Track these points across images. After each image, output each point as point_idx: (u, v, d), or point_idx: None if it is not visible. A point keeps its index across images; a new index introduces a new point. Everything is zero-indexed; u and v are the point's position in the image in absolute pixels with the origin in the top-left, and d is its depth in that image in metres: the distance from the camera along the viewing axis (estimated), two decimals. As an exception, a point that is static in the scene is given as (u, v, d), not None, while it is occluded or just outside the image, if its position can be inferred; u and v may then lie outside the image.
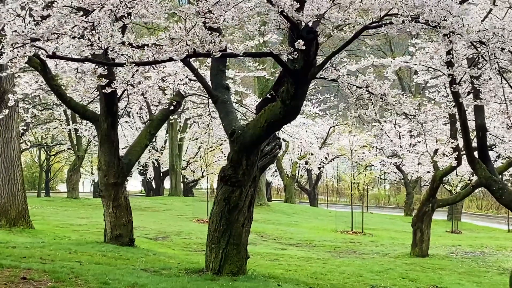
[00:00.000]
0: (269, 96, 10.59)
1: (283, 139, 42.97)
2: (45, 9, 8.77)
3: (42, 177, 66.42)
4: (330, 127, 47.48)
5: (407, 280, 15.34)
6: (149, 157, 51.30)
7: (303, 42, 8.31)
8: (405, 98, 13.51)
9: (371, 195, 65.51)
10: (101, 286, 8.38)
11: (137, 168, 56.56)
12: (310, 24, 9.98)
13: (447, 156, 19.48)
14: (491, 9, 11.52)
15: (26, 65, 13.01)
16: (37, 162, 68.69)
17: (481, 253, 21.93)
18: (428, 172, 26.21)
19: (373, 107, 11.56)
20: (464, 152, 14.25)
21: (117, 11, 8.64)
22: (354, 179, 33.06)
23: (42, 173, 66.22)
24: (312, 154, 46.99)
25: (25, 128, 35.77)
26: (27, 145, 50.45)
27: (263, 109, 10.16)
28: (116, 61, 9.40)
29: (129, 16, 9.24)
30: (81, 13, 8.78)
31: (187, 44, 8.18)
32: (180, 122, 39.22)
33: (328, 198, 63.57)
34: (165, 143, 50.68)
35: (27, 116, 30.59)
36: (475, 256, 21.06)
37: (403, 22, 8.59)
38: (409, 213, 42.63)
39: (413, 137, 33.46)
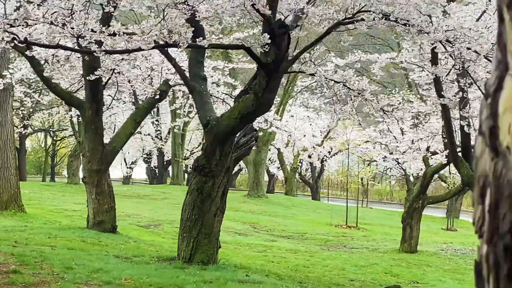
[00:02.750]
0: (244, 89, 10.67)
1: (285, 131, 43.08)
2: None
3: (48, 162, 66.72)
4: (332, 121, 47.40)
5: (389, 275, 15.38)
6: (154, 146, 51.51)
7: (270, 36, 8.36)
8: (395, 94, 13.61)
9: (374, 190, 65.48)
10: (65, 271, 8.49)
11: (142, 156, 56.80)
12: (290, 18, 10.11)
13: (437, 153, 19.50)
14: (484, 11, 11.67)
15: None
16: (43, 147, 69.04)
17: (471, 251, 21.93)
18: (422, 169, 26.20)
19: (352, 103, 11.61)
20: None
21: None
22: (355, 173, 33.07)
23: (48, 158, 66.51)
24: (313, 147, 47.00)
25: (25, 112, 35.95)
26: (32, 129, 50.71)
27: (237, 101, 10.25)
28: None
29: (109, 5, 9.33)
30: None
31: (156, 35, 8.25)
32: (184, 111, 39.33)
33: (332, 192, 63.54)
34: (169, 132, 50.82)
35: (26, 101, 30.67)
36: (464, 254, 21.09)
37: (373, 19, 8.66)
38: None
39: (415, 133, 33.39)
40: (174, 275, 9.22)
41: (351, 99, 11.61)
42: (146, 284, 8.33)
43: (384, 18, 8.66)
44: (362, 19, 8.81)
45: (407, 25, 8.56)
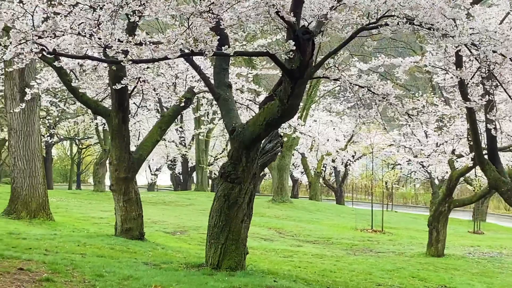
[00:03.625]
0: (269, 95, 10.73)
1: (309, 136, 43.07)
2: (50, 6, 8.98)
3: (74, 170, 67.23)
4: (356, 125, 47.34)
5: (417, 279, 15.31)
6: (178, 152, 51.75)
7: (295, 42, 8.41)
8: (419, 97, 13.59)
9: (399, 194, 65.27)
10: (96, 278, 8.59)
11: (166, 163, 57.08)
12: (313, 24, 10.16)
13: (463, 156, 19.43)
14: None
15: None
16: (69, 155, 69.56)
17: (498, 254, 21.80)
18: (447, 172, 26.08)
19: (377, 107, 11.62)
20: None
21: (120, 9, 8.82)
22: (380, 177, 32.97)
23: (73, 166, 67.03)
24: (337, 151, 46.96)
25: (51, 121, 36.30)
26: (58, 138, 51.17)
27: (262, 108, 10.31)
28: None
29: (135, 15, 9.43)
30: (88, 9, 9.00)
31: (182, 43, 8.34)
32: (208, 118, 39.48)
33: (356, 196, 63.37)
34: (192, 138, 51.03)
35: (53, 110, 31.00)
36: (492, 257, 20.93)
37: (398, 24, 8.69)
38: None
39: (440, 136, 33.23)
40: (203, 282, 9.29)
41: (376, 104, 11.62)
42: (175, 290, 8.43)
43: (408, 22, 8.68)
44: (386, 24, 8.83)
45: (432, 29, 8.57)
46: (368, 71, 13.94)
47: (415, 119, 13.38)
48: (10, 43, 8.90)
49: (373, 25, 9.09)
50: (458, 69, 12.05)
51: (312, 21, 10.09)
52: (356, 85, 11.20)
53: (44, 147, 50.56)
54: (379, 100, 11.43)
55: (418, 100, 12.70)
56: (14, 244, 11.59)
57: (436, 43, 9.28)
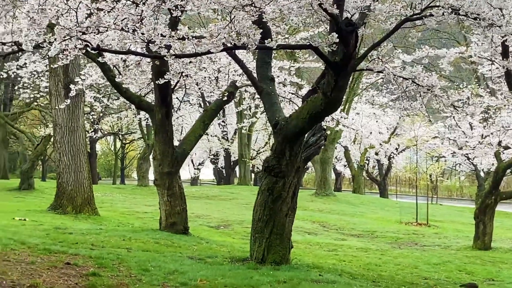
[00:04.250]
0: (312, 88, 10.66)
1: (353, 129, 42.81)
2: (93, 2, 9.02)
3: (118, 165, 67.91)
4: (399, 118, 46.93)
5: (463, 273, 15.07)
6: (221, 146, 51.89)
7: (338, 34, 8.33)
8: (464, 89, 13.39)
9: (443, 187, 64.57)
10: (142, 273, 8.63)
11: (209, 157, 57.31)
12: (356, 16, 10.06)
13: (510, 148, 19.13)
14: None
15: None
16: (113, 150, 70.27)
17: (548, 247, 21.40)
18: (493, 164, 25.70)
19: (421, 99, 11.47)
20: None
21: (163, 4, 8.84)
22: (424, 170, 32.63)
23: (117, 161, 67.71)
24: (380, 144, 46.62)
25: (95, 117, 36.62)
26: (102, 133, 51.70)
27: (306, 101, 10.25)
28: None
29: (177, 9, 9.44)
30: (130, 5, 9.03)
31: (224, 37, 8.32)
32: (250, 112, 39.47)
33: (399, 188, 62.88)
34: (235, 132, 51.10)
35: (96, 106, 31.29)
36: (540, 250, 20.56)
37: (443, 14, 8.55)
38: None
39: (486, 127, 32.79)
40: (248, 276, 9.27)
41: (420, 96, 11.47)
42: (221, 285, 8.41)
43: (453, 12, 8.54)
44: (431, 15, 8.71)
45: (478, 19, 8.43)
46: (412, 63, 13.75)
47: (461, 111, 13.20)
48: (55, 39, 8.97)
49: (418, 16, 8.96)
50: (504, 59, 11.83)
51: (355, 13, 10.00)
52: (400, 77, 11.05)
53: (89, 143, 51.17)
54: (423, 92, 11.27)
55: (463, 91, 12.49)
56: (61, 238, 11.71)
57: (482, 33, 9.11)
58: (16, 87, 34.83)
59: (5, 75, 17.86)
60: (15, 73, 18.00)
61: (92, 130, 40.61)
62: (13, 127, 35.72)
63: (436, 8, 8.64)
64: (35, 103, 36.62)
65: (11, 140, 47.15)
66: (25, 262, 8.36)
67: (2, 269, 7.67)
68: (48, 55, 10.71)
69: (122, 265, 9.05)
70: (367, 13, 9.83)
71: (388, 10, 9.32)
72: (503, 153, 20.06)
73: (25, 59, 17.91)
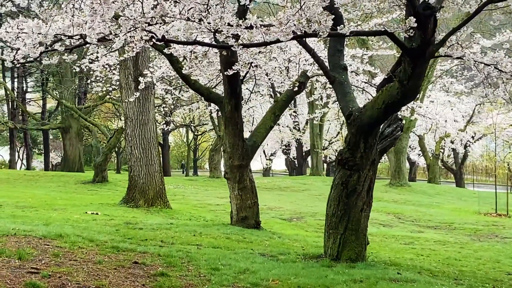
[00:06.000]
0: (387, 77, 10.15)
1: (429, 118, 41.85)
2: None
3: (190, 156, 68.38)
4: (476, 105, 45.68)
5: (549, 268, 14.36)
6: (292, 137, 51.58)
7: (415, 19, 7.82)
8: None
9: (522, 175, 62.70)
10: (211, 272, 8.31)
11: (280, 148, 57.11)
12: (433, -1, 9.50)
13: None
14: None
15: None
16: (185, 142, 70.78)
17: None
18: None
19: (504, 86, 10.83)
20: None
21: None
22: (502, 158, 31.57)
23: (190, 152, 68.16)
24: (456, 133, 45.51)
25: (167, 109, 36.73)
26: (174, 125, 52.03)
27: (381, 90, 9.75)
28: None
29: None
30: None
31: (294, 25, 7.91)
32: (321, 102, 38.96)
33: (476, 178, 61.37)
34: (306, 123, 50.66)
35: (167, 98, 31.28)
36: None
37: (529, -7, 7.95)
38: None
39: None
40: (322, 275, 8.86)
41: (503, 82, 10.84)
42: (294, 285, 8.02)
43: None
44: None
45: None
46: (492, 48, 13.07)
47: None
48: (120, 31, 8.75)
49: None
50: None
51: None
52: (481, 63, 10.46)
53: (161, 134, 51.55)
54: (507, 79, 10.64)
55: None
56: (130, 235, 11.53)
57: None
58: (89, 81, 35.16)
59: (78, 69, 17.85)
60: (87, 67, 17.95)
61: (164, 122, 40.83)
62: (86, 120, 36.11)
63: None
64: (108, 96, 37.00)
65: (85, 134, 47.83)
66: (92, 261, 8.13)
67: (69, 269, 7.45)
68: (112, 48, 10.49)
69: (191, 264, 8.76)
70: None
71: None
72: None
73: (92, 52, 17.87)
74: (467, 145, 48.33)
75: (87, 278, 7.16)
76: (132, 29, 8.53)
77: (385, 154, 39.09)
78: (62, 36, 9.75)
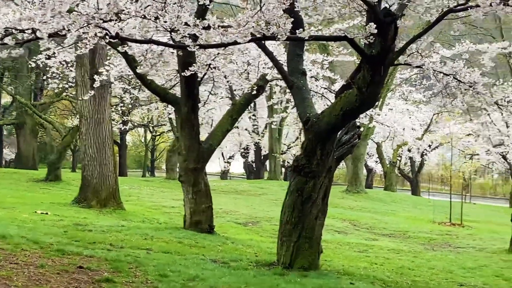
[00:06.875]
0: (346, 83, 10.00)
1: (387, 126, 42.05)
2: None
3: (148, 156, 67.79)
4: (434, 114, 46.01)
5: (501, 278, 14.38)
6: (251, 140, 51.42)
7: (376, 25, 7.68)
8: (500, 86, 12.65)
9: (476, 185, 63.47)
10: (159, 279, 8.05)
11: (239, 151, 56.89)
12: (395, 6, 9.39)
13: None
14: None
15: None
16: (143, 142, 70.17)
17: None
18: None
19: (462, 97, 10.77)
20: None
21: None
22: (456, 168, 31.79)
23: (147, 153, 67.57)
24: (414, 141, 45.82)
25: (125, 108, 36.28)
26: (132, 125, 51.47)
27: (339, 97, 9.60)
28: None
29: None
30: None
31: (253, 27, 7.70)
32: (281, 106, 38.89)
33: (432, 186, 61.85)
34: (266, 126, 50.51)
35: (125, 97, 30.89)
36: None
37: (490, 4, 7.84)
38: (515, 205, 40.94)
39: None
40: (274, 284, 8.66)
41: (462, 93, 10.78)
42: (244, 294, 7.82)
43: (502, 3, 7.82)
44: (477, 5, 7.99)
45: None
46: (451, 58, 13.03)
47: (505, 110, 12.48)
48: (74, 27, 8.44)
49: (462, 6, 8.26)
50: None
51: (393, 3, 9.36)
52: (440, 72, 10.39)
53: (118, 134, 50.95)
54: (465, 89, 10.58)
55: (505, 88, 11.77)
56: (78, 237, 11.18)
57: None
58: (45, 77, 34.53)
59: (33, 64, 17.45)
60: (44, 63, 17.54)
61: (121, 121, 40.33)
62: (41, 117, 35.45)
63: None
64: (65, 94, 36.39)
65: (40, 131, 47.01)
66: (34, 265, 7.80)
67: (8, 273, 7.12)
68: (64, 44, 10.16)
69: (139, 270, 8.48)
70: (406, 3, 9.14)
71: (429, 1, 8.64)
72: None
73: (44, 49, 17.48)
74: (424, 153, 48.68)
75: (27, 283, 6.84)
76: (85, 25, 8.22)
77: (342, 161, 39.07)
78: (13, 30, 9.41)
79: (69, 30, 8.64)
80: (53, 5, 7.90)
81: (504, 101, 12.36)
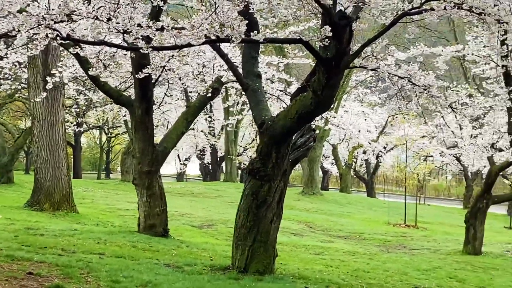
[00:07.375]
0: (301, 86, 9.96)
1: (343, 128, 42.22)
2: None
3: (103, 158, 67.15)
4: (389, 116, 46.41)
5: (454, 280, 14.49)
6: (207, 142, 51.24)
7: (331, 28, 7.64)
8: (454, 89, 12.78)
9: (431, 186, 64.17)
10: (111, 285, 7.90)
11: (195, 153, 56.66)
12: (350, 9, 9.37)
13: (503, 150, 18.51)
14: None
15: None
16: (98, 144, 69.47)
17: (538, 252, 20.84)
18: (485, 166, 25.13)
19: (417, 99, 10.81)
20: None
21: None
22: (411, 169, 32.06)
23: (102, 155, 66.92)
24: (369, 143, 46.14)
25: (79, 110, 35.84)
26: (87, 126, 50.88)
27: (294, 100, 9.55)
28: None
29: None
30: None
31: (207, 29, 7.60)
32: (237, 109, 38.78)
33: (387, 188, 62.35)
34: (222, 128, 50.40)
35: (80, 99, 30.50)
36: (531, 255, 19.99)
37: (445, 8, 7.87)
38: (468, 206, 41.36)
39: (475, 128, 32.26)
40: (230, 288, 8.59)
41: (416, 96, 10.82)
42: (197, 299, 7.71)
43: (456, 7, 7.85)
44: (432, 9, 8.02)
45: (483, 14, 7.74)
46: (406, 60, 13.11)
47: (459, 113, 12.60)
48: (24, 27, 8.24)
49: (417, 10, 8.28)
50: (503, 59, 11.21)
51: (348, 6, 9.32)
52: (395, 75, 10.40)
53: (73, 136, 50.35)
54: (420, 92, 10.61)
55: (458, 91, 11.91)
56: (29, 241, 10.95)
57: (489, 30, 8.42)
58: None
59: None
60: (-5, 64, 17.24)
61: (75, 123, 39.82)
62: (-9, 118, 34.88)
63: (437, 1, 7.95)
64: (17, 95, 35.77)
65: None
66: (-19, 272, 7.61)
67: (-47, 281, 6.93)
68: (14, 45, 9.95)
69: (90, 275, 8.32)
70: (361, 6, 9.13)
71: (384, 4, 8.63)
72: (496, 155, 19.41)
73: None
74: (379, 155, 49.06)
75: (-28, 291, 6.67)
76: (36, 26, 8.04)
77: (298, 163, 39.13)
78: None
79: (19, 31, 8.44)
80: (2, 5, 7.68)
81: (458, 103, 12.50)
